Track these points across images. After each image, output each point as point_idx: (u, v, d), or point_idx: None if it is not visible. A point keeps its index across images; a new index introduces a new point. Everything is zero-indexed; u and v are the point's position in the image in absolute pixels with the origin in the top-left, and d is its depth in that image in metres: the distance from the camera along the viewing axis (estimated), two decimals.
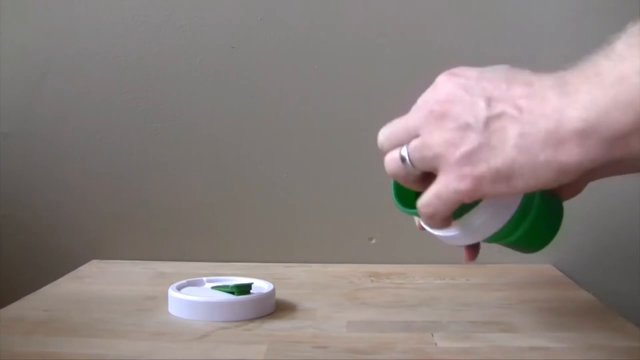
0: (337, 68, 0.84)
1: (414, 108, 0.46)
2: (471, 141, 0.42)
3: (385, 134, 0.47)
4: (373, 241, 0.85)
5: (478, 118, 0.42)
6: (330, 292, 0.71)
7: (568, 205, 0.88)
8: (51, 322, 0.59)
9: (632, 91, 0.37)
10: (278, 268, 0.81)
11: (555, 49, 0.80)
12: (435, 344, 0.54)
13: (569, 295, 0.70)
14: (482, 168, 0.42)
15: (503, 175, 0.41)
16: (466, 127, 0.42)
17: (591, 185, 0.87)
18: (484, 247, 0.88)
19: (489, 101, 0.42)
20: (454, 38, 0.82)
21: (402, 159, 0.46)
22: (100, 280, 0.76)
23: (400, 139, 0.46)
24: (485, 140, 0.42)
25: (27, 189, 0.86)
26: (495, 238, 0.51)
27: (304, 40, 0.84)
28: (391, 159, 0.47)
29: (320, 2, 0.83)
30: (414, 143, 0.45)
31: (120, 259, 0.85)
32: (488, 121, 0.42)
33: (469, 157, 0.42)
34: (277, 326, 0.58)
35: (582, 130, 0.39)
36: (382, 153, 0.47)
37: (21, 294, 0.67)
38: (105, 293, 0.69)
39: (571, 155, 0.39)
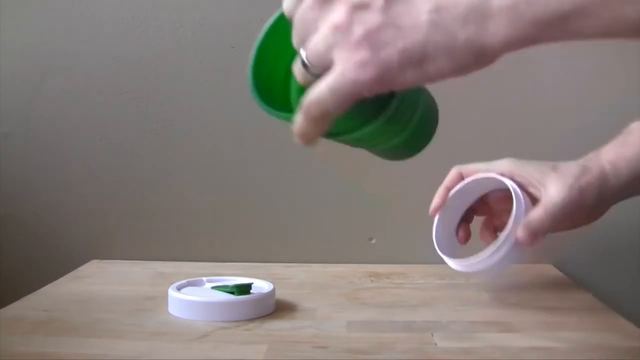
0: None
1: None
2: (369, 21, 0.35)
3: (294, 31, 0.39)
4: (373, 241, 0.85)
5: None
6: (330, 292, 0.71)
7: None
8: (51, 322, 0.59)
9: None
10: (278, 268, 0.81)
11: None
12: (435, 344, 0.54)
13: (569, 295, 0.70)
14: (387, 51, 0.35)
15: (414, 59, 0.35)
16: (359, 6, 0.36)
17: None
18: (483, 246, 0.89)
19: None
20: None
21: (302, 62, 0.39)
22: (100, 280, 0.76)
23: (304, 35, 0.39)
24: (388, 18, 0.35)
25: (27, 189, 0.86)
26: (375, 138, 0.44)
27: None
28: (296, 68, 0.40)
29: None
30: (310, 41, 0.38)
31: (120, 259, 0.85)
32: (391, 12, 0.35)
33: (369, 40, 0.35)
34: (277, 326, 0.58)
35: (514, 6, 0.33)
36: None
37: (21, 294, 0.67)
38: (105, 293, 0.69)
39: (497, 34, 0.34)
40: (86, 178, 0.86)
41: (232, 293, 0.62)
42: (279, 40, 0.44)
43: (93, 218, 0.86)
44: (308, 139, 0.40)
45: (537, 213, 0.58)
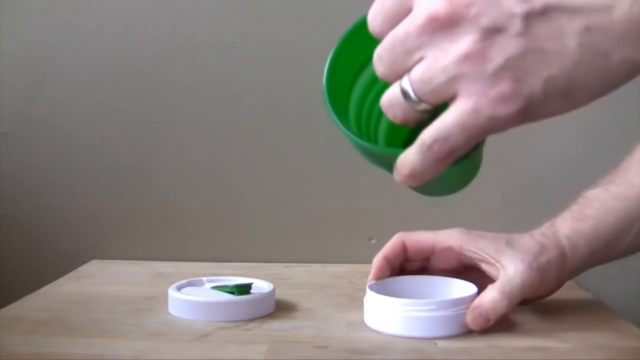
0: None
1: (410, 16, 0.33)
2: (508, 47, 0.30)
3: (381, 59, 0.34)
4: (373, 241, 0.85)
5: (513, 14, 0.30)
6: (330, 292, 0.71)
7: (568, 205, 0.88)
8: (51, 322, 0.59)
9: None
10: (278, 268, 0.81)
11: None
12: (435, 343, 0.54)
13: (569, 295, 0.70)
14: (531, 82, 0.31)
15: (562, 88, 0.31)
16: (494, 30, 0.31)
17: (591, 185, 0.86)
18: None
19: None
20: None
21: (404, 94, 0.33)
22: (100, 280, 0.76)
23: (400, 64, 0.33)
24: (529, 43, 0.30)
25: (27, 189, 0.86)
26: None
27: (304, 40, 0.84)
28: (389, 97, 0.34)
29: (320, 2, 0.83)
30: (418, 70, 0.32)
31: (120, 259, 0.85)
32: (529, 17, 0.30)
33: (510, 69, 0.30)
34: (277, 326, 0.58)
35: None
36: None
37: (21, 294, 0.67)
38: (105, 293, 0.69)
39: None
40: (86, 178, 0.86)
41: (232, 293, 0.61)
42: (351, 53, 0.40)
43: (93, 218, 0.86)
44: (422, 178, 0.34)
45: (491, 295, 0.54)
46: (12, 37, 0.85)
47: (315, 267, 0.82)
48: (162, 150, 0.85)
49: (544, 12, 0.30)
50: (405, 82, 0.33)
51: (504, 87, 0.31)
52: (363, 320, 0.59)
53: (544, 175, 0.84)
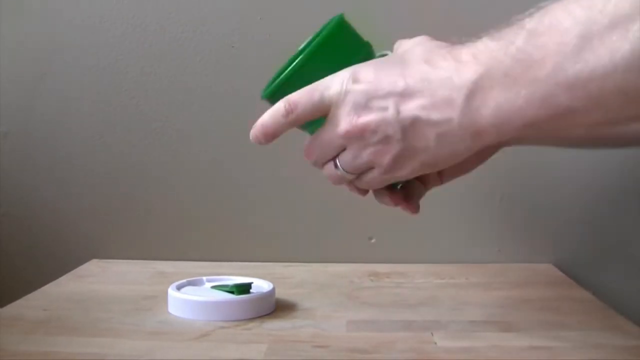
0: None
1: (330, 120, 0.49)
2: (395, 148, 0.47)
3: (313, 155, 0.52)
4: (373, 241, 0.85)
5: (395, 129, 0.46)
6: (330, 291, 0.71)
7: (568, 204, 0.89)
8: (51, 321, 0.59)
9: (543, 89, 0.41)
10: (278, 268, 0.81)
11: None
12: (435, 343, 0.54)
13: (569, 295, 0.70)
14: (411, 165, 0.48)
15: (427, 165, 0.48)
16: (387, 139, 0.47)
17: (591, 186, 0.87)
18: (483, 247, 0.88)
19: (397, 106, 0.46)
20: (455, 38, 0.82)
21: (336, 167, 0.51)
22: (100, 279, 0.76)
23: (330, 155, 0.51)
24: (406, 144, 0.47)
25: (27, 189, 0.86)
26: None
27: (304, 39, 0.83)
28: (328, 171, 0.52)
29: (320, 2, 0.83)
30: (345, 157, 0.50)
31: (120, 258, 0.85)
32: (404, 130, 0.46)
33: (397, 161, 0.48)
34: (277, 326, 0.58)
35: (497, 125, 0.43)
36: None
37: (21, 294, 0.67)
38: (105, 292, 0.69)
39: (488, 140, 0.45)
40: (86, 178, 0.86)
41: (232, 292, 0.62)
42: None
43: (93, 218, 0.86)
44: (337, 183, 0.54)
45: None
46: (12, 37, 0.85)
47: (316, 267, 0.82)
48: (162, 150, 0.85)
49: (412, 123, 0.46)
50: (337, 165, 0.51)
51: (398, 166, 0.48)
52: (363, 320, 0.59)
53: (544, 176, 0.84)
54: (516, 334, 0.56)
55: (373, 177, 0.50)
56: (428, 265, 0.81)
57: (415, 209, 0.56)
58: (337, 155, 0.51)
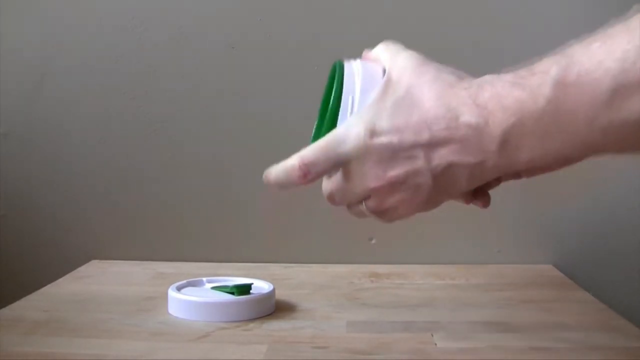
0: None
1: (353, 174, 0.48)
2: (424, 193, 0.47)
3: (337, 202, 0.52)
4: (373, 241, 0.85)
5: (426, 177, 0.46)
6: (330, 292, 0.71)
7: (568, 205, 0.89)
8: (51, 322, 0.59)
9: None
10: (278, 268, 0.81)
11: None
12: (435, 344, 0.54)
13: (569, 295, 0.70)
14: (439, 201, 0.49)
15: (457, 197, 0.50)
16: (417, 187, 0.47)
17: (591, 185, 0.87)
18: (483, 246, 0.89)
19: (427, 156, 0.45)
20: (456, 37, 0.82)
21: (364, 210, 0.51)
22: (100, 280, 0.76)
23: (351, 201, 0.51)
24: (436, 187, 0.47)
25: (27, 189, 0.86)
26: None
27: (304, 40, 0.84)
28: (353, 211, 0.53)
29: (320, 2, 0.83)
30: (371, 203, 0.49)
31: (120, 259, 0.85)
32: (436, 176, 0.46)
33: (425, 202, 0.48)
34: (277, 326, 0.58)
35: (531, 163, 0.44)
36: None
37: (21, 294, 0.67)
38: (105, 293, 0.69)
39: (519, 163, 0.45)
40: (86, 178, 0.86)
41: (232, 293, 0.62)
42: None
43: (93, 218, 0.86)
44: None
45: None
46: (12, 37, 0.85)
47: (316, 268, 0.82)
48: (162, 150, 0.85)
49: (445, 169, 0.45)
50: (364, 208, 0.50)
51: (426, 206, 0.49)
52: (363, 321, 0.59)
53: (544, 176, 0.84)
54: (516, 335, 0.56)
55: (400, 215, 0.50)
56: (428, 266, 0.81)
57: (487, 202, 0.54)
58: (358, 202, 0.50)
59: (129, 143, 0.85)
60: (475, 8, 0.82)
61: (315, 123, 0.54)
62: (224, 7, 0.84)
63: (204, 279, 0.67)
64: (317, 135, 0.51)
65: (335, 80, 0.50)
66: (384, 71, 0.49)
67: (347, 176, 0.49)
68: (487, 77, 0.45)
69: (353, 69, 0.51)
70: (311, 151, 0.49)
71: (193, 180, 0.85)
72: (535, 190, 0.84)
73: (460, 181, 0.46)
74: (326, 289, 0.72)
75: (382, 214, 0.50)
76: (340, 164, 0.48)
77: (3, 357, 0.50)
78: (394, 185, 0.47)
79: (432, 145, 0.45)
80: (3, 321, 0.59)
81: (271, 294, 0.63)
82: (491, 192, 0.84)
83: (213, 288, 0.64)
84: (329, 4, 0.83)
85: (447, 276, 0.77)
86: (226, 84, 0.84)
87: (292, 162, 0.49)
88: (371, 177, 0.47)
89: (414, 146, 0.45)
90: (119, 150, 0.85)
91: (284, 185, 0.51)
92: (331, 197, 0.52)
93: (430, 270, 0.80)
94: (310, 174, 0.49)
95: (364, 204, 0.50)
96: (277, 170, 0.51)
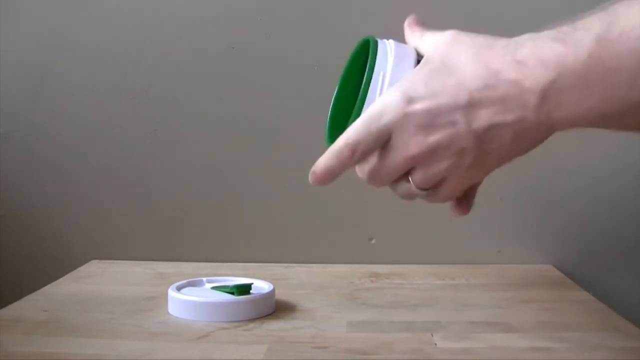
0: (337, 68, 0.83)
1: (393, 146, 0.47)
2: (470, 157, 0.46)
3: (380, 180, 0.49)
4: (373, 241, 0.85)
5: (469, 140, 0.45)
6: (330, 292, 0.71)
7: (568, 205, 0.89)
8: (51, 322, 0.59)
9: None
10: (278, 268, 0.81)
11: None
12: (435, 344, 0.54)
13: (569, 295, 0.70)
14: (488, 167, 0.47)
15: (504, 161, 0.47)
16: (461, 151, 0.45)
17: (590, 185, 0.87)
18: (483, 246, 0.89)
19: (466, 118, 0.45)
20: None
21: (410, 184, 0.49)
22: (100, 280, 0.76)
23: (397, 176, 0.49)
24: (481, 150, 0.45)
25: (27, 189, 0.86)
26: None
27: (304, 40, 0.84)
28: (401, 189, 0.50)
29: (320, 2, 0.83)
30: (417, 176, 0.47)
31: (120, 259, 0.85)
32: (479, 138, 0.45)
33: (473, 168, 0.46)
34: (277, 326, 0.58)
35: (572, 120, 0.43)
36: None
37: (21, 294, 0.67)
38: (105, 293, 0.69)
39: (560, 130, 0.45)
40: (86, 178, 0.86)
41: (232, 293, 0.61)
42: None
43: (93, 218, 0.86)
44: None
45: None
46: (12, 38, 0.85)
47: (316, 268, 0.82)
48: (161, 150, 0.85)
49: (487, 129, 0.44)
50: (411, 185, 0.48)
51: (475, 172, 0.47)
52: (363, 321, 0.59)
53: (544, 176, 0.84)
54: (516, 335, 0.56)
55: (450, 189, 0.48)
56: (428, 266, 0.81)
57: (467, 209, 0.53)
58: (406, 174, 0.48)
59: (129, 143, 0.85)
60: (476, 8, 0.82)
61: (332, 99, 0.57)
62: (224, 7, 0.84)
63: (204, 279, 0.67)
64: (336, 110, 0.53)
65: (369, 55, 0.50)
66: (417, 53, 0.51)
67: (389, 149, 0.47)
68: (527, 35, 0.44)
69: (386, 47, 0.51)
70: (353, 130, 0.48)
71: (193, 180, 0.85)
72: (535, 190, 0.84)
73: (505, 143, 0.44)
74: (326, 289, 0.72)
75: (431, 190, 0.48)
76: (383, 137, 0.47)
77: (3, 357, 0.50)
78: (437, 152, 0.46)
79: (471, 107, 0.44)
80: (3, 321, 0.59)
81: (271, 294, 0.63)
82: (491, 192, 0.84)
83: (213, 288, 0.64)
84: (329, 4, 0.83)
85: (447, 276, 0.77)
86: (226, 84, 0.84)
87: (339, 144, 0.48)
88: (413, 145, 0.46)
89: (453, 109, 0.45)
90: (119, 150, 0.85)
91: (335, 170, 0.49)
92: (373, 176, 0.49)
93: (430, 270, 0.80)
94: (357, 152, 0.47)
95: (410, 180, 0.48)
96: (326, 158, 0.49)
